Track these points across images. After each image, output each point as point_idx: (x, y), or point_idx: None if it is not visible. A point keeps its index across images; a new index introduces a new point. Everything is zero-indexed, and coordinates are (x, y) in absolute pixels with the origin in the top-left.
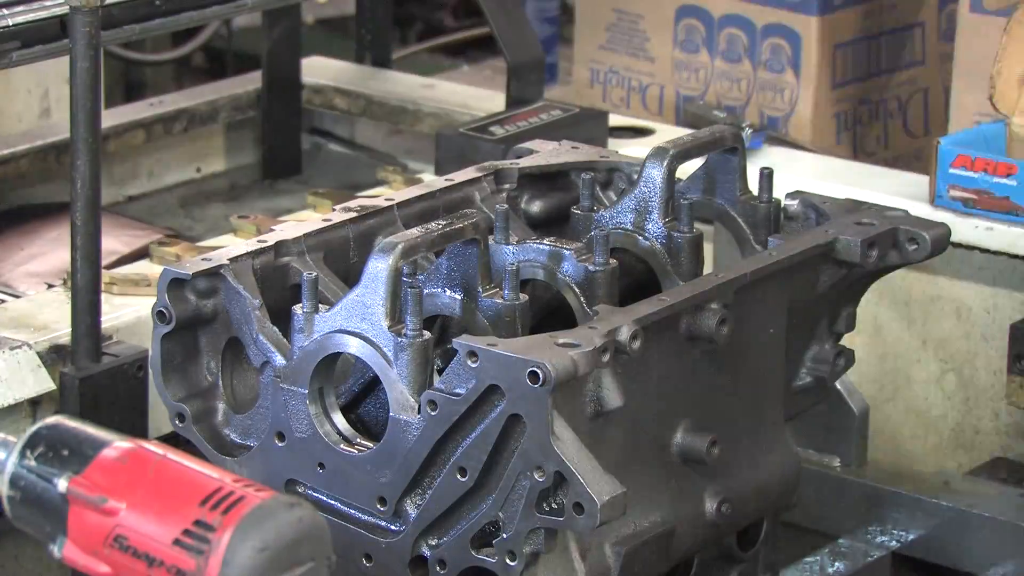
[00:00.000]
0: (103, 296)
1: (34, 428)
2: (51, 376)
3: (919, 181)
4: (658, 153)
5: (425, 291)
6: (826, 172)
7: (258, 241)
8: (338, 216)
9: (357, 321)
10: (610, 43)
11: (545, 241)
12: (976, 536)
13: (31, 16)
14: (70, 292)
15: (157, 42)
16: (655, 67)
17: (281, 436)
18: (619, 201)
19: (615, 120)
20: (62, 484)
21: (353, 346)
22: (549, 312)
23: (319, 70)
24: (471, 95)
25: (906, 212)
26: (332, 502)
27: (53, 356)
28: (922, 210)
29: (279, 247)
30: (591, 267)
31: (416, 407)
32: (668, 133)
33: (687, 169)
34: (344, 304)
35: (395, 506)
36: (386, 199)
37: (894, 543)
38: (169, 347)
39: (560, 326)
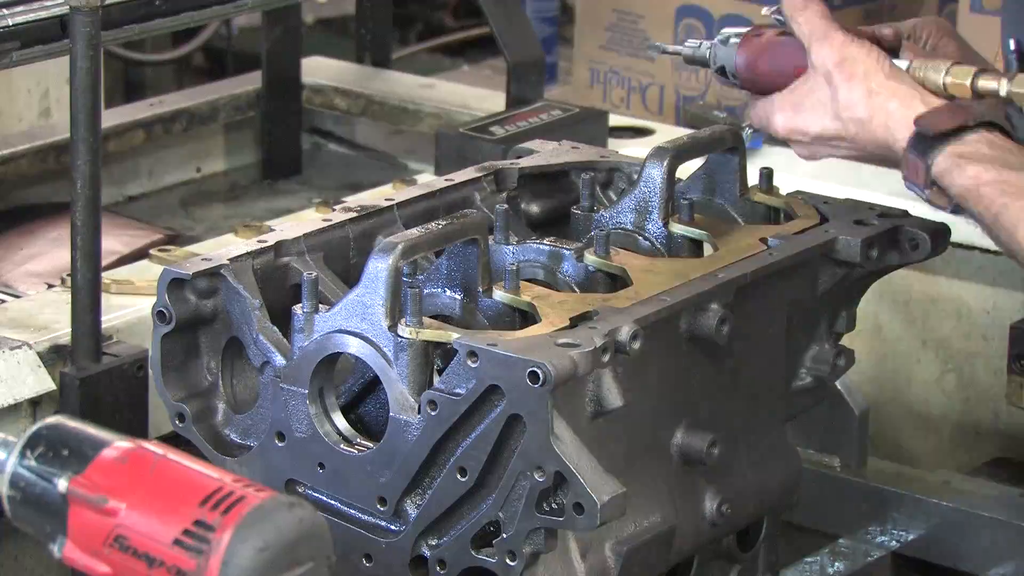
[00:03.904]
0: (103, 296)
1: (34, 428)
2: (51, 376)
3: None
4: (658, 153)
5: (425, 291)
6: (826, 172)
7: (258, 241)
8: (338, 216)
9: (357, 321)
10: (610, 43)
11: (545, 241)
12: (976, 536)
13: (31, 16)
14: (70, 292)
15: (157, 42)
16: (655, 67)
17: (281, 436)
18: (619, 201)
19: (615, 120)
20: (62, 484)
21: (353, 346)
22: None
23: (319, 70)
24: (471, 95)
25: (906, 212)
26: (332, 502)
27: (53, 356)
28: (922, 210)
29: (279, 247)
30: (591, 267)
31: (416, 407)
32: (668, 133)
33: (687, 169)
34: (344, 304)
35: (395, 506)
36: (386, 199)
37: (894, 543)
38: (169, 347)
39: None
